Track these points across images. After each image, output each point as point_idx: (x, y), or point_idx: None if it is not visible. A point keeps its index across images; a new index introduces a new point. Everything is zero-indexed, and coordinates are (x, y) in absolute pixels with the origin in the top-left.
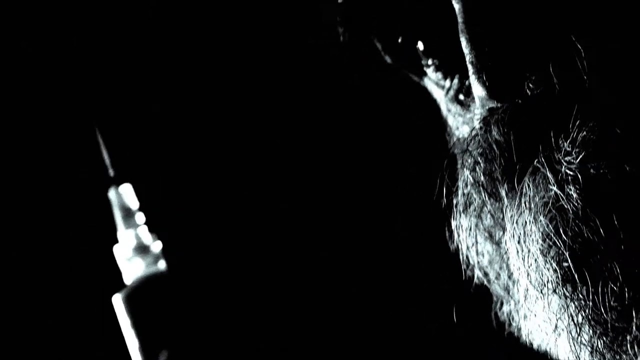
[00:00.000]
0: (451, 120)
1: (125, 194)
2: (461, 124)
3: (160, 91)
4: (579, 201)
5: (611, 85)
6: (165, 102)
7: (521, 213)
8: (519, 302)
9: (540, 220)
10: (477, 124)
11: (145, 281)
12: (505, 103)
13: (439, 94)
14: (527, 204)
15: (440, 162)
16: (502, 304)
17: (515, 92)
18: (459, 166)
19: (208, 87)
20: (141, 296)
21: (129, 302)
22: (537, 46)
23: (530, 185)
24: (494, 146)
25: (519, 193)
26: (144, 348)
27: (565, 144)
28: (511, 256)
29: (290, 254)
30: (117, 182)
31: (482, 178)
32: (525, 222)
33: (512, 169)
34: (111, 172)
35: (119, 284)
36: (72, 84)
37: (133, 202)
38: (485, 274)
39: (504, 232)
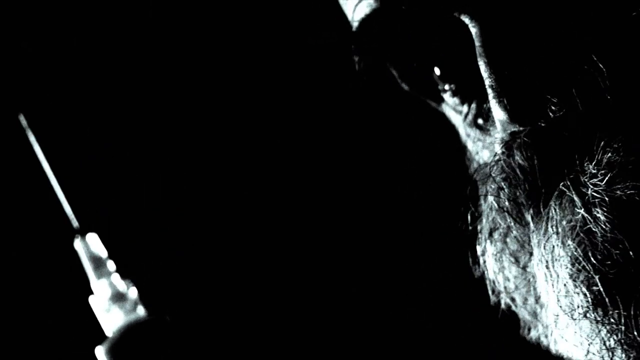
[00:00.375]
0: (470, 145)
1: (92, 244)
2: (481, 148)
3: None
4: (606, 224)
5: (635, 105)
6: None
7: (548, 237)
8: (547, 326)
9: (569, 244)
10: (498, 149)
11: (127, 330)
12: (527, 126)
13: (457, 119)
14: (554, 228)
15: (461, 188)
16: (529, 329)
17: (537, 115)
18: (481, 191)
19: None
20: (124, 345)
21: (113, 353)
22: (558, 67)
23: (557, 209)
24: (518, 171)
25: (545, 217)
26: None
27: (591, 166)
28: (539, 281)
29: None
30: (83, 233)
31: (506, 203)
32: (553, 246)
33: (537, 193)
34: (75, 223)
35: (99, 336)
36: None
37: (101, 251)
38: (512, 299)
39: (530, 257)
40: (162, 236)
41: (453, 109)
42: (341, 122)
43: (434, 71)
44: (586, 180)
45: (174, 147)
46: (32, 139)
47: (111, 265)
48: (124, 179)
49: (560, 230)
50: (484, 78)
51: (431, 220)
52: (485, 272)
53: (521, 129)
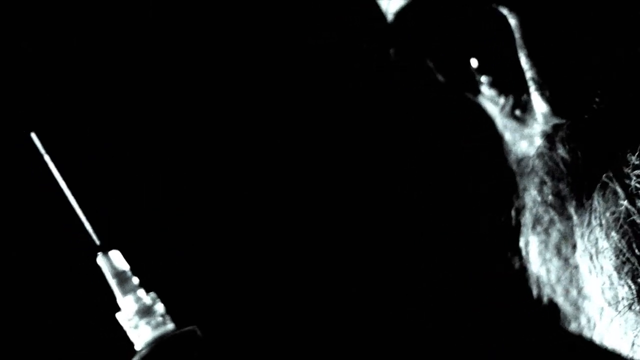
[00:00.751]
0: (508, 137)
1: (115, 260)
2: (519, 139)
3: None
4: None
5: None
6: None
7: (592, 230)
8: (590, 319)
9: (612, 236)
10: (540, 142)
11: (157, 344)
12: (569, 119)
13: (494, 111)
14: (597, 220)
15: (498, 179)
16: (571, 321)
17: (579, 107)
18: (522, 185)
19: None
20: None
21: None
22: (600, 59)
23: (600, 201)
24: (560, 164)
25: (588, 209)
26: None
27: (633, 157)
28: (583, 273)
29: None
30: (105, 250)
31: (549, 197)
32: (597, 238)
33: (580, 185)
34: (97, 241)
35: (129, 352)
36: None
37: (125, 267)
38: (554, 291)
39: (573, 249)
40: (184, 248)
41: (490, 101)
42: (351, 121)
43: (471, 63)
44: (629, 171)
45: (190, 160)
46: (47, 158)
47: (135, 280)
48: (139, 193)
49: (603, 222)
50: (525, 70)
51: (468, 215)
52: (528, 265)
53: (563, 121)
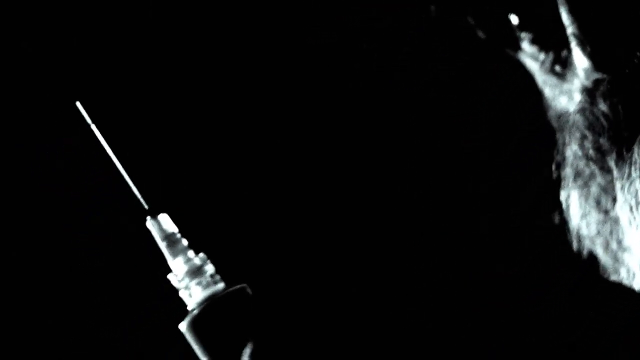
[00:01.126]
0: (548, 92)
1: (164, 223)
2: (558, 94)
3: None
4: None
5: None
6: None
7: (632, 181)
8: (629, 270)
9: None
10: (580, 97)
11: (208, 304)
12: (610, 74)
13: (534, 67)
14: (637, 172)
15: (538, 134)
16: (611, 273)
17: (620, 62)
18: (563, 139)
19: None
20: (207, 319)
21: (196, 328)
22: None
23: None
24: (601, 119)
25: (628, 162)
26: None
27: None
28: (623, 226)
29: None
30: (154, 213)
31: (590, 151)
32: (637, 190)
33: (620, 139)
34: (145, 205)
35: (182, 312)
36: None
37: (174, 229)
38: (594, 244)
39: (613, 202)
40: (229, 210)
41: (531, 57)
42: (351, 121)
43: (511, 19)
44: None
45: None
46: (93, 126)
47: (184, 242)
48: (184, 157)
49: None
50: (566, 26)
51: (468, 215)
52: (568, 218)
53: (604, 76)
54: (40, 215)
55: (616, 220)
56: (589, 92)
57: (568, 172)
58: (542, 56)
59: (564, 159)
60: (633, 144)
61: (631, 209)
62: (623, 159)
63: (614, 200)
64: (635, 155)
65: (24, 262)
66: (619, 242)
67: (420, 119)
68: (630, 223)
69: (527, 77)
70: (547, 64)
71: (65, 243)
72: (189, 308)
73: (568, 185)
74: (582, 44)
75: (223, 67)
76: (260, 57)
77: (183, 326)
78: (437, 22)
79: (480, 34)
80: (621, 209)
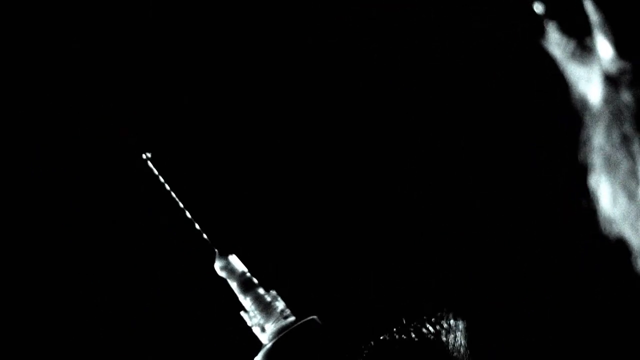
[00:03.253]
0: (570, 78)
1: (235, 264)
2: (580, 80)
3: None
4: None
5: None
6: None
7: None
8: None
9: None
10: (604, 85)
11: (280, 337)
12: (633, 62)
13: (557, 53)
14: None
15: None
16: (638, 257)
17: None
18: (587, 128)
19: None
20: (280, 351)
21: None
22: None
23: None
24: (626, 108)
25: None
26: None
27: None
28: None
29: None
30: (224, 255)
31: (616, 139)
32: None
33: None
34: (215, 249)
35: (256, 346)
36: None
37: (243, 269)
38: (621, 227)
39: (638, 186)
40: (294, 247)
41: (555, 44)
42: (352, 120)
43: (536, 7)
44: None
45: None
46: (161, 179)
47: (254, 280)
48: (247, 202)
49: None
50: (590, 15)
51: (468, 214)
52: (597, 203)
53: (628, 64)
54: (123, 259)
55: None
56: (613, 81)
57: (596, 159)
58: (566, 43)
59: (591, 147)
60: None
61: None
62: None
63: (639, 184)
64: None
65: (113, 307)
66: None
67: (420, 119)
68: None
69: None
70: (572, 51)
71: (145, 286)
72: (263, 342)
73: (596, 171)
74: (606, 33)
75: (222, 66)
76: (260, 57)
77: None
78: (436, 22)
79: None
80: None
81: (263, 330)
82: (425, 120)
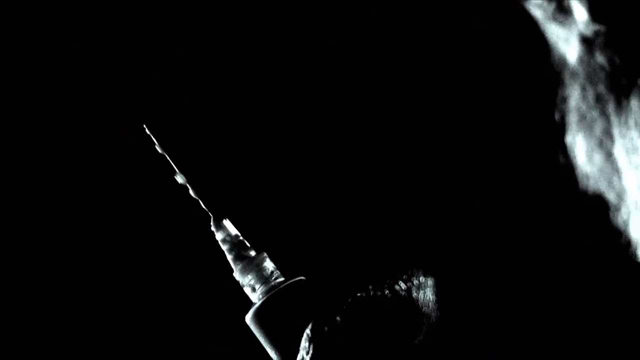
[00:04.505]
0: (549, 39)
1: (228, 227)
2: (559, 41)
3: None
4: None
5: None
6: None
7: (628, 128)
8: (629, 209)
9: None
10: (580, 46)
11: (270, 296)
12: (607, 25)
13: (537, 14)
14: (633, 120)
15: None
16: (616, 212)
17: (617, 14)
18: (565, 86)
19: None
20: (269, 310)
21: (260, 319)
22: None
23: (636, 103)
24: (599, 69)
25: (625, 110)
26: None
27: None
28: (622, 167)
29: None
30: (218, 219)
31: (591, 99)
32: (632, 137)
33: (618, 88)
34: (210, 212)
35: (247, 305)
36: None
37: (236, 232)
38: (598, 182)
39: (612, 144)
40: (287, 212)
41: (535, 5)
42: (351, 121)
43: None
44: None
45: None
46: (158, 147)
47: (246, 243)
48: (242, 170)
49: (639, 122)
50: None
51: (468, 214)
52: (574, 160)
53: (602, 27)
54: (113, 220)
55: (616, 161)
56: (588, 43)
57: (572, 117)
58: (545, 4)
59: (567, 106)
60: (630, 92)
61: (628, 152)
62: (621, 106)
63: (614, 142)
64: (632, 104)
65: (90, 262)
66: (620, 181)
67: (420, 119)
68: (628, 166)
69: (530, 24)
70: (550, 12)
71: (136, 247)
72: (253, 301)
73: (572, 129)
74: None
75: (223, 66)
76: (261, 56)
77: (248, 318)
78: (436, 22)
79: None
80: (619, 153)
81: (254, 290)
82: (423, 110)
